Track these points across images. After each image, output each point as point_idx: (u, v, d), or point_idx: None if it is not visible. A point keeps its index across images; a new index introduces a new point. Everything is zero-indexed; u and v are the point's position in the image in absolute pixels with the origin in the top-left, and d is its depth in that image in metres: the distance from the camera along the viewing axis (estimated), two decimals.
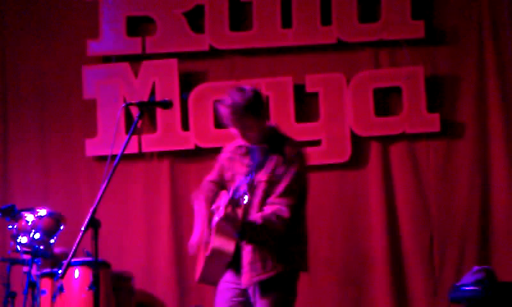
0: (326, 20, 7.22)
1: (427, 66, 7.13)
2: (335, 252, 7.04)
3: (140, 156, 7.16)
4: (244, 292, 4.61)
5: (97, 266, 4.31)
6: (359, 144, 7.13)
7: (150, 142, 7.17)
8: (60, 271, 4.23)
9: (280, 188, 4.54)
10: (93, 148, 7.15)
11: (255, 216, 4.50)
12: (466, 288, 5.83)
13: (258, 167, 4.60)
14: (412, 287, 6.98)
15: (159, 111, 7.12)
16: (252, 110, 4.57)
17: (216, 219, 4.47)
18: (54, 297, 5.85)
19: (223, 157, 4.84)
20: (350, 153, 7.10)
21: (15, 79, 7.36)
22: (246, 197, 4.30)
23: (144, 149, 7.12)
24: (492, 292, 5.79)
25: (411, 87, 7.09)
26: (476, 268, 5.98)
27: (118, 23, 7.25)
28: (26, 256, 5.82)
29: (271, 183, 4.55)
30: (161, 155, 7.17)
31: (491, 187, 7.03)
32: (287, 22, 7.23)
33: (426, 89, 7.07)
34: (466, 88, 7.13)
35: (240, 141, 4.72)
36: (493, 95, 7.09)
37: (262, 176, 4.58)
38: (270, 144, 4.64)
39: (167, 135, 7.14)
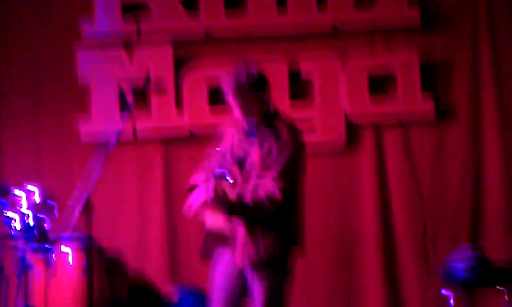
0: (322, 6, 7.21)
1: (422, 52, 7.13)
2: (328, 237, 7.06)
3: (134, 141, 7.15)
4: (241, 274, 4.63)
5: (90, 248, 4.31)
6: (353, 129, 7.13)
7: (144, 128, 7.15)
8: (53, 254, 4.23)
9: (274, 171, 4.54)
10: (87, 132, 7.13)
11: (246, 197, 4.50)
12: (457, 268, 5.83)
13: (253, 148, 4.61)
14: (404, 272, 7.00)
15: (153, 96, 7.10)
16: (256, 88, 4.60)
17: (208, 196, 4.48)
18: (47, 280, 5.85)
19: (225, 134, 4.82)
20: (344, 139, 7.10)
21: (8, 63, 7.34)
22: (229, 178, 4.31)
23: (139, 134, 7.11)
24: (485, 273, 5.80)
25: (405, 73, 7.09)
26: (465, 245, 6.00)
27: (113, 7, 7.24)
28: (19, 238, 5.82)
29: (265, 164, 4.56)
30: (155, 140, 7.16)
31: (484, 172, 7.05)
32: (282, 9, 7.22)
33: (421, 74, 7.07)
34: (461, 74, 7.14)
35: (241, 121, 4.71)
36: (487, 81, 7.10)
37: (256, 158, 4.58)
38: (267, 126, 4.64)
39: (161, 120, 7.13)
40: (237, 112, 4.67)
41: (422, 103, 7.07)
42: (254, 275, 4.60)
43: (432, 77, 7.14)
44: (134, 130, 7.09)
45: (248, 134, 4.70)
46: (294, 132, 4.69)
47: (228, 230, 4.58)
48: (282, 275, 4.65)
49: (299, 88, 7.21)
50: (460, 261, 5.89)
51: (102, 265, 5.95)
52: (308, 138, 6.92)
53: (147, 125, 7.13)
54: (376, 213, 7.02)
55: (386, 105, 7.15)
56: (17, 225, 5.77)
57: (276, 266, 4.60)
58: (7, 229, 5.85)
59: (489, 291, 6.61)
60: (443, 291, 5.94)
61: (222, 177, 4.35)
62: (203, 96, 7.11)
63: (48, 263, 5.85)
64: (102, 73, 7.18)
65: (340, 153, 7.14)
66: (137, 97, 4.61)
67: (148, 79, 7.10)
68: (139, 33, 7.24)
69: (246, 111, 4.64)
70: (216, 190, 4.40)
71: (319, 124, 7.11)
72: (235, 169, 4.59)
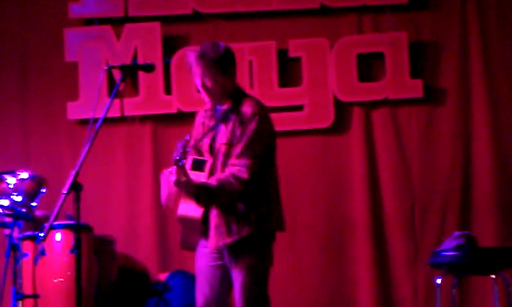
0: None
1: (411, 32, 7.11)
2: (317, 218, 7.06)
3: (122, 120, 7.13)
4: (221, 257, 4.58)
5: (79, 229, 4.30)
6: (342, 109, 7.12)
7: (133, 106, 7.14)
8: (42, 234, 4.22)
9: (238, 149, 4.47)
10: (75, 111, 7.12)
11: (211, 179, 4.46)
12: (447, 253, 5.86)
13: (219, 130, 4.56)
14: (393, 253, 7.01)
15: (142, 75, 7.08)
16: (220, 64, 4.51)
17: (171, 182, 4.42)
18: (35, 260, 5.86)
19: (197, 122, 4.78)
20: (333, 119, 7.10)
21: None
22: (183, 160, 4.26)
23: (127, 113, 7.10)
24: (472, 258, 5.83)
25: (394, 53, 7.08)
26: (457, 233, 6.01)
27: None
28: (8, 219, 5.81)
29: (231, 145, 4.50)
30: (143, 118, 7.15)
31: (472, 153, 7.05)
32: None
33: (409, 55, 7.07)
34: (449, 54, 7.13)
35: (208, 104, 4.66)
36: (475, 61, 7.09)
37: (222, 138, 4.53)
38: (232, 106, 4.57)
39: (149, 98, 7.12)
40: (200, 89, 4.57)
41: (410, 82, 7.06)
42: (231, 260, 4.54)
43: (420, 56, 7.13)
44: (122, 108, 7.07)
45: (214, 117, 4.63)
46: (258, 107, 4.57)
47: (200, 215, 4.51)
48: (259, 257, 4.57)
49: (287, 66, 7.19)
50: (450, 246, 5.92)
51: (90, 245, 5.95)
52: (296, 117, 7.06)
53: (135, 102, 7.11)
54: (364, 193, 7.02)
55: (374, 83, 7.14)
56: (5, 205, 5.76)
57: (252, 248, 4.53)
58: None
59: (478, 278, 6.70)
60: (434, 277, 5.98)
61: (178, 162, 4.28)
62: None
63: (36, 243, 5.84)
64: (89, 51, 7.15)
65: (329, 132, 7.13)
66: (125, 75, 4.54)
67: (135, 56, 7.09)
68: (126, 10, 7.20)
69: (210, 87, 4.53)
70: (178, 177, 4.33)
71: (308, 102, 7.10)
72: (205, 153, 4.55)
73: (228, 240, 4.50)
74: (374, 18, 7.19)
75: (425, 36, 7.16)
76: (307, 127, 7.10)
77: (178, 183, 4.36)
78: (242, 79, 7.06)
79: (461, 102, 7.09)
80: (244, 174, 4.44)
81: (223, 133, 4.54)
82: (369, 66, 7.17)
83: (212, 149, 4.59)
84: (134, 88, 7.17)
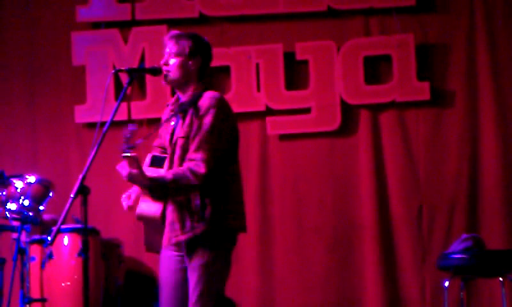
0: None
1: (418, 35, 7.10)
2: (324, 220, 7.05)
3: (129, 123, 7.14)
4: (183, 259, 4.41)
5: (86, 233, 4.30)
6: (349, 112, 7.12)
7: (140, 109, 7.15)
8: (49, 238, 4.22)
9: (195, 142, 4.32)
10: (82, 114, 7.14)
11: (167, 172, 4.32)
12: (454, 256, 5.85)
13: (177, 122, 4.44)
14: (400, 255, 7.00)
15: (149, 78, 7.10)
16: (190, 47, 4.43)
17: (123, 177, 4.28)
18: (43, 264, 5.86)
19: (162, 119, 4.64)
20: (340, 121, 7.09)
21: (3, 46, 7.32)
22: (129, 150, 4.13)
23: (134, 117, 7.10)
24: (480, 260, 5.82)
25: (401, 56, 7.07)
26: (464, 236, 6.00)
27: None
28: (15, 223, 5.82)
29: (188, 139, 4.36)
30: (151, 122, 7.15)
31: (480, 155, 7.04)
32: None
33: (416, 57, 7.06)
34: (457, 57, 7.11)
35: (172, 100, 4.57)
36: (483, 64, 7.07)
37: (179, 132, 4.41)
38: (191, 97, 4.43)
39: (157, 102, 7.12)
40: (163, 67, 4.45)
41: (417, 85, 7.05)
42: (186, 258, 4.37)
43: (428, 59, 7.12)
44: (129, 111, 7.08)
45: (174, 111, 4.50)
46: (215, 100, 4.39)
47: (159, 213, 4.38)
48: (214, 256, 4.35)
49: (294, 69, 7.19)
50: (457, 248, 5.91)
51: (98, 248, 5.95)
52: (303, 119, 7.06)
53: (142, 106, 7.12)
54: (372, 196, 7.01)
55: (381, 86, 7.13)
56: (13, 209, 5.77)
57: (206, 246, 4.34)
58: (3, 214, 5.84)
59: (486, 281, 6.68)
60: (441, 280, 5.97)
61: (124, 153, 4.14)
62: None
63: (44, 247, 5.85)
64: (96, 55, 7.17)
65: (336, 135, 7.12)
66: (132, 78, 4.54)
67: (142, 60, 7.10)
68: (133, 14, 7.22)
69: (172, 64, 4.41)
70: (130, 169, 4.19)
71: (315, 105, 7.10)
72: (168, 149, 4.44)
73: (182, 237, 4.34)
74: (381, 21, 7.18)
75: (433, 38, 7.14)
76: (314, 130, 7.10)
77: (130, 176, 4.21)
78: (249, 82, 7.09)
79: (469, 104, 7.07)
80: (201, 169, 4.27)
81: (181, 127, 4.42)
82: (376, 69, 7.17)
83: (170, 143, 4.46)
84: (141, 92, 7.18)
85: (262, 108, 7.13)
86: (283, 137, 7.16)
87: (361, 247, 7.01)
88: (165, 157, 4.46)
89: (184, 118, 4.42)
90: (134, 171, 4.21)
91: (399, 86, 7.08)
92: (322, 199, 7.08)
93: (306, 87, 7.15)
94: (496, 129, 7.01)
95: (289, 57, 7.14)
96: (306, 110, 7.11)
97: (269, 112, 7.14)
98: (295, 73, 7.19)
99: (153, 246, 4.53)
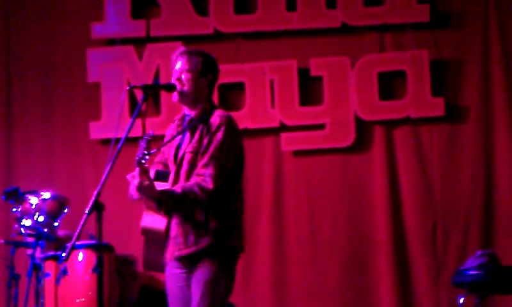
0: (331, 3, 7.20)
1: (432, 50, 7.11)
2: (339, 236, 7.05)
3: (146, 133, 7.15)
4: (189, 276, 4.40)
5: (101, 249, 4.31)
6: (363, 128, 7.12)
7: (154, 126, 7.15)
8: (64, 254, 4.22)
9: (204, 158, 4.34)
10: (97, 130, 7.17)
11: (175, 186, 4.33)
12: (469, 272, 5.83)
13: (184, 137, 4.46)
14: (415, 271, 6.98)
15: (163, 95, 7.12)
16: (201, 65, 4.46)
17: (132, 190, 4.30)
18: (58, 280, 5.86)
19: (167, 134, 4.67)
20: (354, 137, 7.09)
21: (19, 62, 7.38)
22: (146, 157, 4.14)
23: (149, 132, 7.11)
24: (495, 276, 5.79)
25: (415, 72, 7.08)
26: (479, 252, 5.98)
27: (123, 5, 7.25)
28: (30, 239, 5.83)
29: (196, 154, 4.38)
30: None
31: (494, 171, 7.02)
32: (291, 5, 7.22)
33: (431, 73, 7.05)
34: (471, 72, 7.11)
35: (178, 116, 4.60)
36: (497, 79, 7.07)
37: (187, 147, 4.42)
38: (201, 113, 4.47)
39: (171, 118, 7.11)
40: (175, 82, 4.48)
41: (431, 101, 7.04)
42: (190, 273, 4.38)
43: (442, 75, 7.12)
44: (144, 128, 7.10)
45: (182, 126, 4.53)
46: (226, 118, 4.42)
47: (164, 228, 4.38)
48: (218, 271, 4.33)
49: (308, 85, 7.20)
50: (472, 264, 5.89)
51: (112, 265, 5.94)
52: (317, 135, 7.06)
53: (157, 122, 7.14)
54: (386, 212, 7.00)
55: (396, 102, 7.13)
56: (28, 225, 5.78)
57: (210, 260, 4.33)
58: (18, 230, 5.86)
59: (501, 297, 6.64)
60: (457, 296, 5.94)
61: (140, 161, 4.16)
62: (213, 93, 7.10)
63: (59, 263, 5.85)
64: (111, 71, 7.21)
65: (350, 151, 7.12)
66: (147, 95, 4.56)
67: (157, 76, 7.12)
68: (148, 31, 7.25)
69: (184, 81, 4.44)
70: (141, 180, 4.20)
71: (329, 121, 7.10)
72: (170, 165, 4.46)
73: (185, 251, 4.35)
74: (395, 37, 7.19)
75: (447, 54, 7.15)
76: (328, 146, 7.10)
77: (140, 187, 4.23)
78: (263, 98, 7.10)
79: (483, 120, 7.06)
80: (209, 184, 4.29)
81: (189, 142, 4.44)
82: (390, 85, 7.17)
83: (175, 158, 4.47)
84: (156, 108, 7.20)
85: (276, 124, 7.14)
86: (298, 153, 7.16)
87: (376, 263, 7.00)
88: (169, 172, 4.46)
89: (192, 134, 4.44)
90: (146, 182, 4.23)
91: (413, 101, 7.07)
92: (337, 215, 7.08)
93: (321, 103, 7.16)
94: (511, 144, 6.99)
95: (303, 73, 7.16)
96: (321, 126, 7.12)
97: (283, 128, 7.15)
98: (309, 89, 7.20)
99: (154, 263, 4.50)
